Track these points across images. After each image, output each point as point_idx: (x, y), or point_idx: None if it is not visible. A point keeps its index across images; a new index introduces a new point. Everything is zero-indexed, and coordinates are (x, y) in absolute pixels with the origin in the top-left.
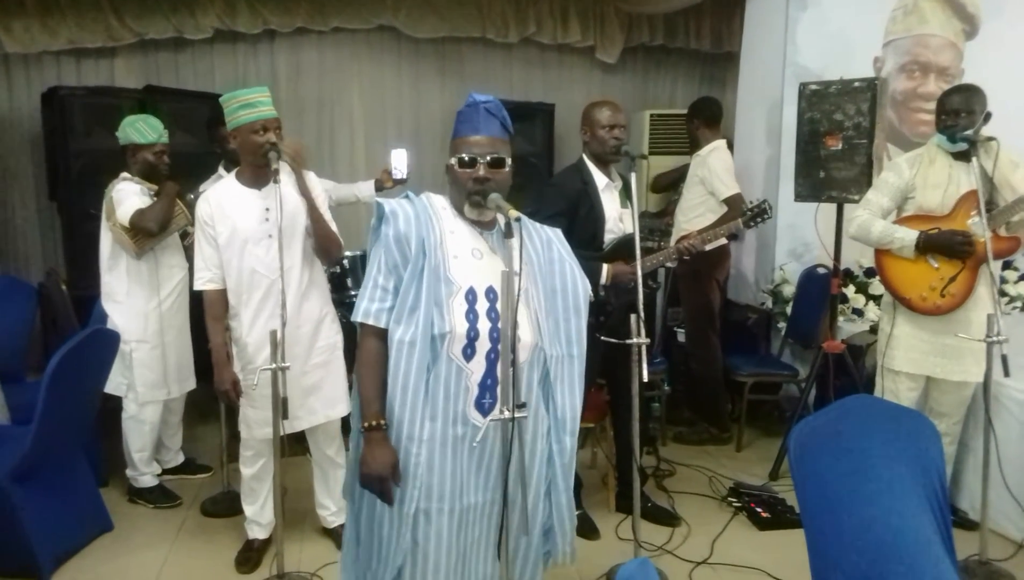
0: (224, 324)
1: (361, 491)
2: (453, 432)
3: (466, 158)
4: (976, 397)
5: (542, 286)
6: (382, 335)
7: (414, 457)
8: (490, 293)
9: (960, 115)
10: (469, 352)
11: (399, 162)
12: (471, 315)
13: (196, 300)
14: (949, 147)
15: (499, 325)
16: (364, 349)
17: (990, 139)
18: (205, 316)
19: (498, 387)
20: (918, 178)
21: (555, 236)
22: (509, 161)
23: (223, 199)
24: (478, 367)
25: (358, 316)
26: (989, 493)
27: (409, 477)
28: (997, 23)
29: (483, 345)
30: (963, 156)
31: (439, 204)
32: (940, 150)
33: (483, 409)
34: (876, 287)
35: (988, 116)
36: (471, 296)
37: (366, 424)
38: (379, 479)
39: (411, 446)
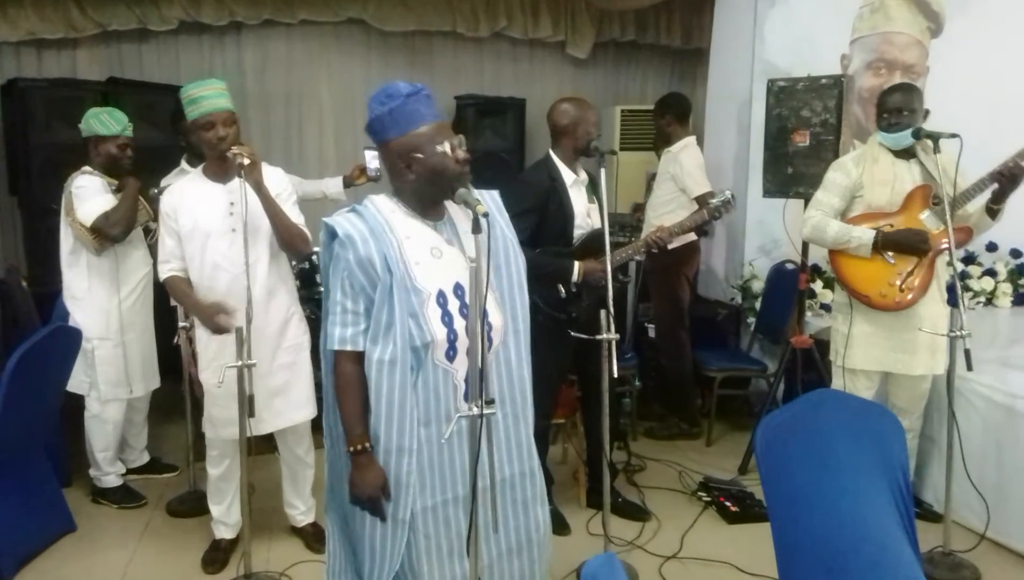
0: (193, 290)
1: (342, 503)
2: (448, 429)
3: (448, 144)
4: (939, 391)
5: (492, 264)
6: (359, 359)
7: (405, 466)
8: (458, 289)
9: (903, 113)
10: (452, 354)
11: (373, 162)
12: (447, 318)
13: (160, 297)
14: (892, 144)
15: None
16: (341, 374)
17: (953, 135)
18: (175, 299)
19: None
20: (865, 176)
21: (492, 204)
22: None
23: (186, 192)
24: (461, 365)
25: (334, 344)
26: (952, 485)
27: (402, 486)
28: (962, 21)
29: (463, 343)
30: (904, 153)
31: (386, 208)
32: (883, 149)
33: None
34: None
35: (927, 113)
36: (441, 299)
37: (351, 449)
38: (370, 500)
39: (401, 458)
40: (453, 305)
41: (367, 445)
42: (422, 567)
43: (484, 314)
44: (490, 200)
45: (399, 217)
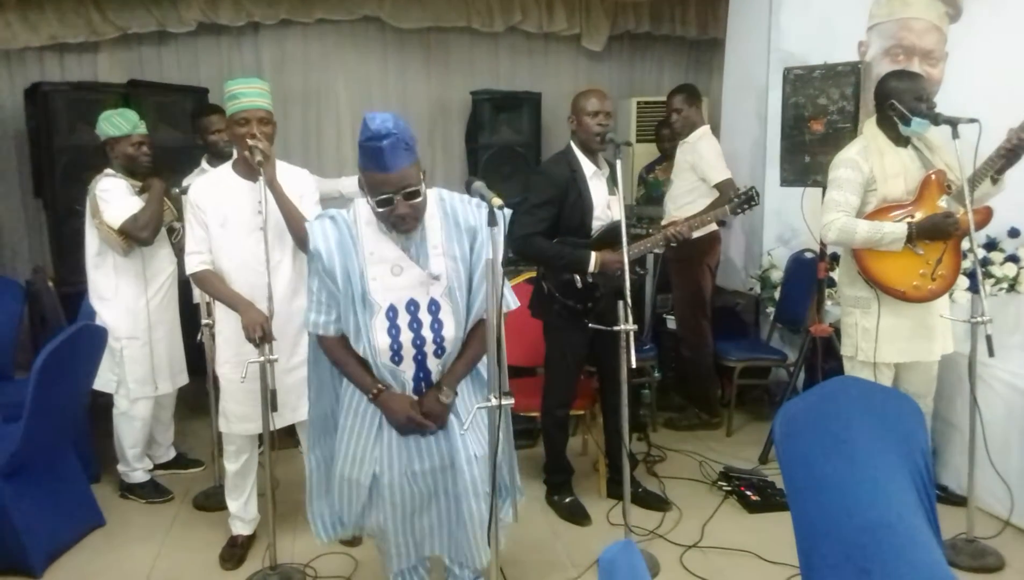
0: (227, 284)
1: (317, 447)
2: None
3: (383, 198)
4: (960, 376)
5: (464, 277)
6: (336, 337)
7: (363, 441)
8: (411, 305)
9: (929, 100)
10: (397, 359)
11: None
12: (393, 330)
13: (185, 295)
14: (920, 131)
15: (421, 333)
16: (328, 349)
17: (972, 120)
18: (208, 293)
19: (432, 376)
20: (876, 171)
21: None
22: (423, 186)
23: (217, 187)
24: (409, 367)
25: (308, 327)
26: (975, 472)
27: (366, 456)
28: (980, 5)
29: (408, 351)
30: (902, 141)
31: (364, 217)
32: (887, 140)
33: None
34: None
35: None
36: (392, 313)
37: (372, 393)
38: (409, 421)
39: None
40: (403, 319)
41: (380, 386)
42: (387, 524)
43: (438, 323)
44: (481, 219)
45: (370, 230)
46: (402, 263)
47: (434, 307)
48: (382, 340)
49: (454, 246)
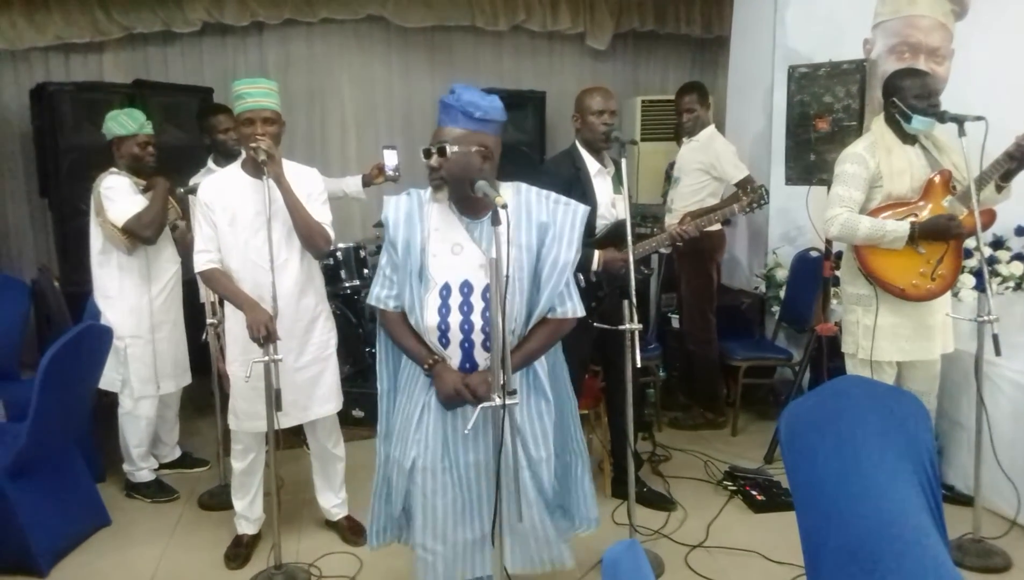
0: (235, 283)
1: (383, 447)
2: (471, 420)
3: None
4: (967, 375)
5: (527, 269)
6: (395, 312)
7: (404, 416)
8: (464, 287)
9: (934, 97)
10: (444, 342)
11: (390, 161)
12: (443, 309)
13: (189, 294)
14: (925, 129)
15: (471, 318)
16: (386, 322)
17: (978, 118)
18: (216, 291)
19: (478, 369)
20: (883, 167)
21: (561, 217)
22: (456, 148)
23: (226, 186)
24: (455, 354)
25: (371, 300)
26: (982, 472)
27: (410, 436)
28: (986, 3)
29: (455, 336)
30: (910, 139)
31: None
32: (894, 137)
33: None
34: None
35: None
36: (445, 291)
37: (427, 364)
38: (456, 393)
39: (408, 403)
40: (454, 300)
41: (436, 358)
42: (416, 516)
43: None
44: (557, 219)
45: (439, 208)
46: (463, 242)
47: (488, 294)
48: (431, 318)
49: (520, 234)
